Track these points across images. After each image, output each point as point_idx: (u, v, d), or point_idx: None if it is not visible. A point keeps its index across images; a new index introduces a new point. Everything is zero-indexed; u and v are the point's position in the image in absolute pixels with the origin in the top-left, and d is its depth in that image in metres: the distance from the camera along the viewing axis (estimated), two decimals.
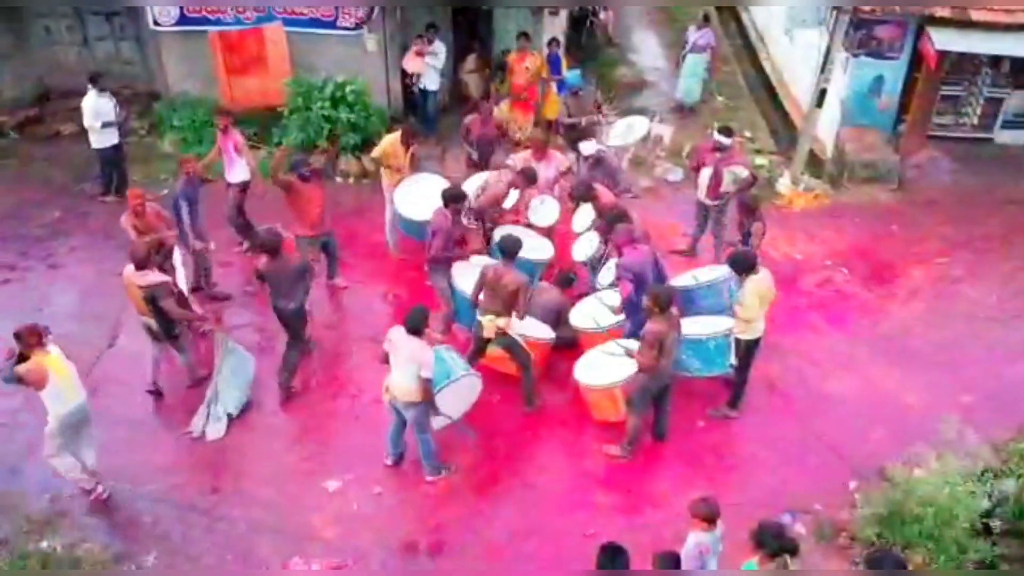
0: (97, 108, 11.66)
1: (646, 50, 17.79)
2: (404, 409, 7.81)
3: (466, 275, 9.26)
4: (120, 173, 12.34)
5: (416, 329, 7.49)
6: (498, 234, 9.77)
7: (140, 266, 8.31)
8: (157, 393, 9.06)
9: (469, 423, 8.72)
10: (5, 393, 8.97)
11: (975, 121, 13.41)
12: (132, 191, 9.51)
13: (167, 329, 8.63)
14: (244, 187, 10.87)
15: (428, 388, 7.60)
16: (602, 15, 16.82)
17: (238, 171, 10.76)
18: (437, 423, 8.14)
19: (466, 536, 7.76)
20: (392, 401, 7.86)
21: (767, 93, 15.81)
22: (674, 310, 7.84)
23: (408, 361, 7.52)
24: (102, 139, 11.91)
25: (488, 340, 8.63)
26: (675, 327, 7.85)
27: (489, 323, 8.45)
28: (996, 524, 7.70)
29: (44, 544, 7.54)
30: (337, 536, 7.73)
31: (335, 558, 7.51)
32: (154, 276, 8.36)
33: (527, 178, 9.99)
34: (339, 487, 8.19)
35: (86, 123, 11.80)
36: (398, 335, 7.60)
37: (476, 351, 8.88)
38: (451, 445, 8.55)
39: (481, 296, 8.55)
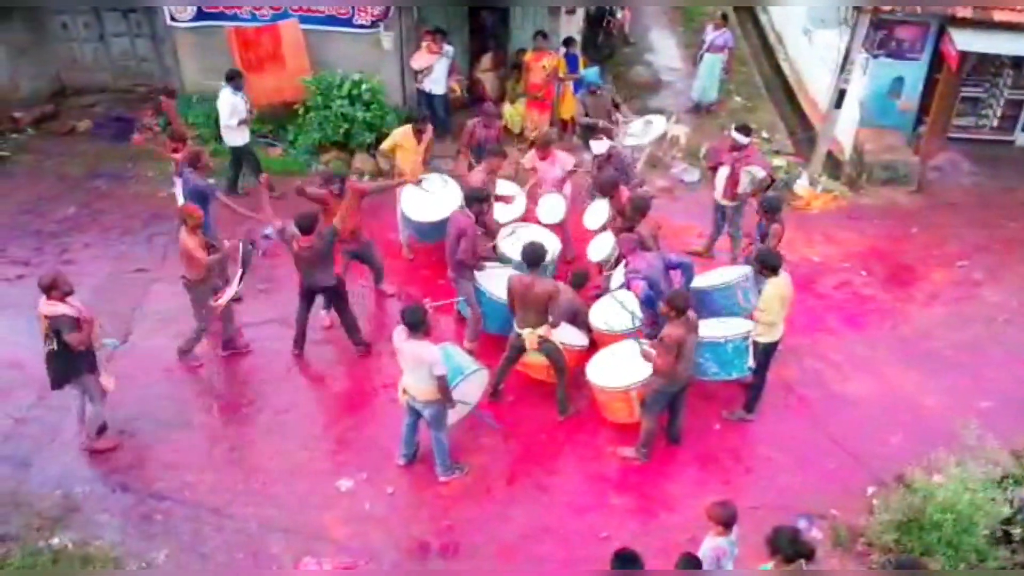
0: (234, 106, 11.60)
1: (663, 50, 17.69)
2: (423, 408, 7.77)
3: (492, 278, 9.21)
4: (254, 168, 12.25)
5: (414, 326, 7.40)
6: (505, 235, 9.82)
7: (47, 293, 7.74)
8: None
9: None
10: (17, 388, 9.05)
11: (995, 123, 13.30)
12: (187, 207, 9.00)
13: (68, 367, 8.02)
14: None
15: (444, 384, 7.54)
16: (619, 14, 16.75)
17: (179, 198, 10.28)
18: (454, 417, 8.12)
19: (479, 537, 7.70)
20: (410, 402, 7.83)
21: (785, 94, 15.69)
22: (691, 314, 7.75)
23: (417, 364, 7.47)
24: (236, 137, 11.85)
25: (524, 350, 8.55)
26: (693, 331, 7.76)
27: (530, 335, 8.35)
28: (1017, 532, 7.57)
29: (55, 540, 7.50)
30: (349, 536, 7.68)
31: (346, 558, 7.45)
32: (62, 307, 7.74)
33: (497, 156, 10.19)
34: (351, 486, 8.15)
35: (223, 121, 11.73)
36: (401, 340, 7.53)
37: (510, 359, 8.79)
38: (465, 447, 8.52)
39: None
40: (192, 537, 7.65)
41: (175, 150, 10.31)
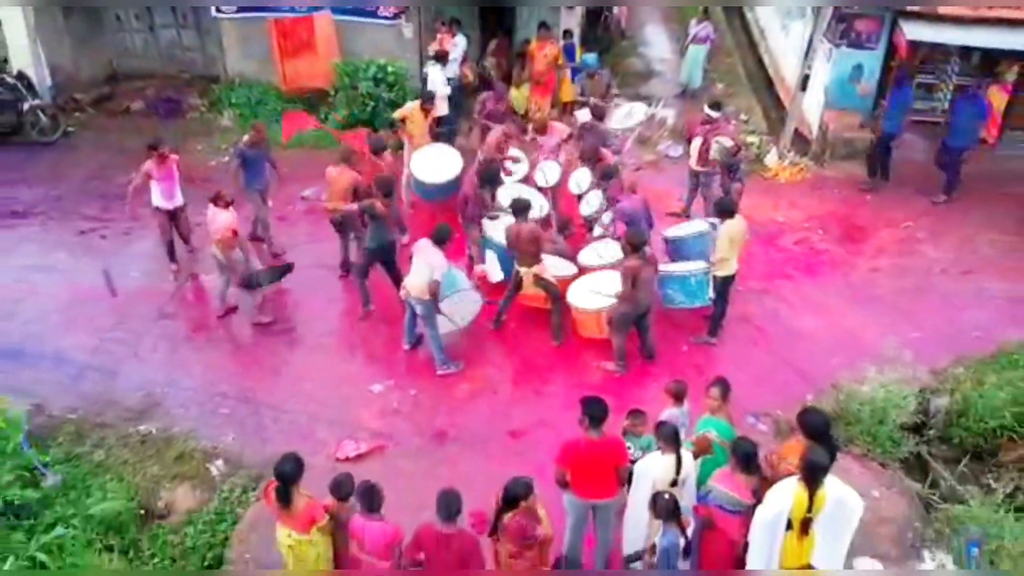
0: (443, 81, 13.60)
1: (656, 43, 19.46)
2: (415, 304, 9.61)
3: (495, 227, 10.95)
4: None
5: (440, 241, 9.35)
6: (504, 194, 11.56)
7: (215, 202, 10.13)
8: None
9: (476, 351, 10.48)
10: (99, 316, 10.76)
11: (945, 106, 14.60)
12: (350, 140, 10.94)
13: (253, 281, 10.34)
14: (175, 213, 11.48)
15: (436, 289, 9.35)
16: (616, 10, 18.45)
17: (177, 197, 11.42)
18: (443, 327, 9.87)
19: (486, 428, 9.37)
20: (406, 297, 9.63)
21: (765, 83, 17.22)
22: (648, 250, 9.50)
23: (425, 264, 9.32)
24: (441, 108, 13.60)
25: (522, 285, 10.27)
26: (650, 263, 9.51)
27: (526, 273, 10.11)
28: (931, 433, 9.17)
29: (142, 428, 9.21)
30: (381, 426, 9.36)
31: (379, 441, 9.14)
32: (232, 220, 10.04)
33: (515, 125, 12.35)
34: (382, 389, 9.84)
35: (439, 93, 13.46)
36: (424, 243, 9.43)
37: (511, 293, 10.48)
38: (475, 360, 10.24)
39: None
40: (254, 426, 9.34)
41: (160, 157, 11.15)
